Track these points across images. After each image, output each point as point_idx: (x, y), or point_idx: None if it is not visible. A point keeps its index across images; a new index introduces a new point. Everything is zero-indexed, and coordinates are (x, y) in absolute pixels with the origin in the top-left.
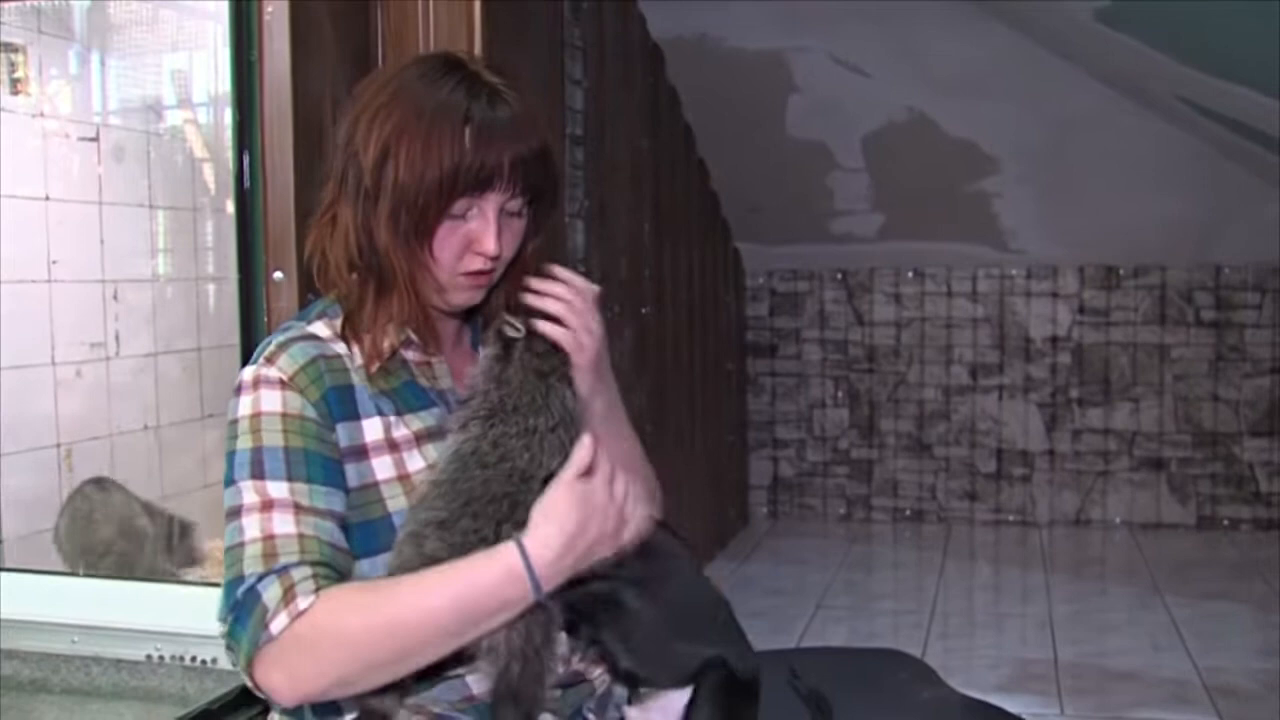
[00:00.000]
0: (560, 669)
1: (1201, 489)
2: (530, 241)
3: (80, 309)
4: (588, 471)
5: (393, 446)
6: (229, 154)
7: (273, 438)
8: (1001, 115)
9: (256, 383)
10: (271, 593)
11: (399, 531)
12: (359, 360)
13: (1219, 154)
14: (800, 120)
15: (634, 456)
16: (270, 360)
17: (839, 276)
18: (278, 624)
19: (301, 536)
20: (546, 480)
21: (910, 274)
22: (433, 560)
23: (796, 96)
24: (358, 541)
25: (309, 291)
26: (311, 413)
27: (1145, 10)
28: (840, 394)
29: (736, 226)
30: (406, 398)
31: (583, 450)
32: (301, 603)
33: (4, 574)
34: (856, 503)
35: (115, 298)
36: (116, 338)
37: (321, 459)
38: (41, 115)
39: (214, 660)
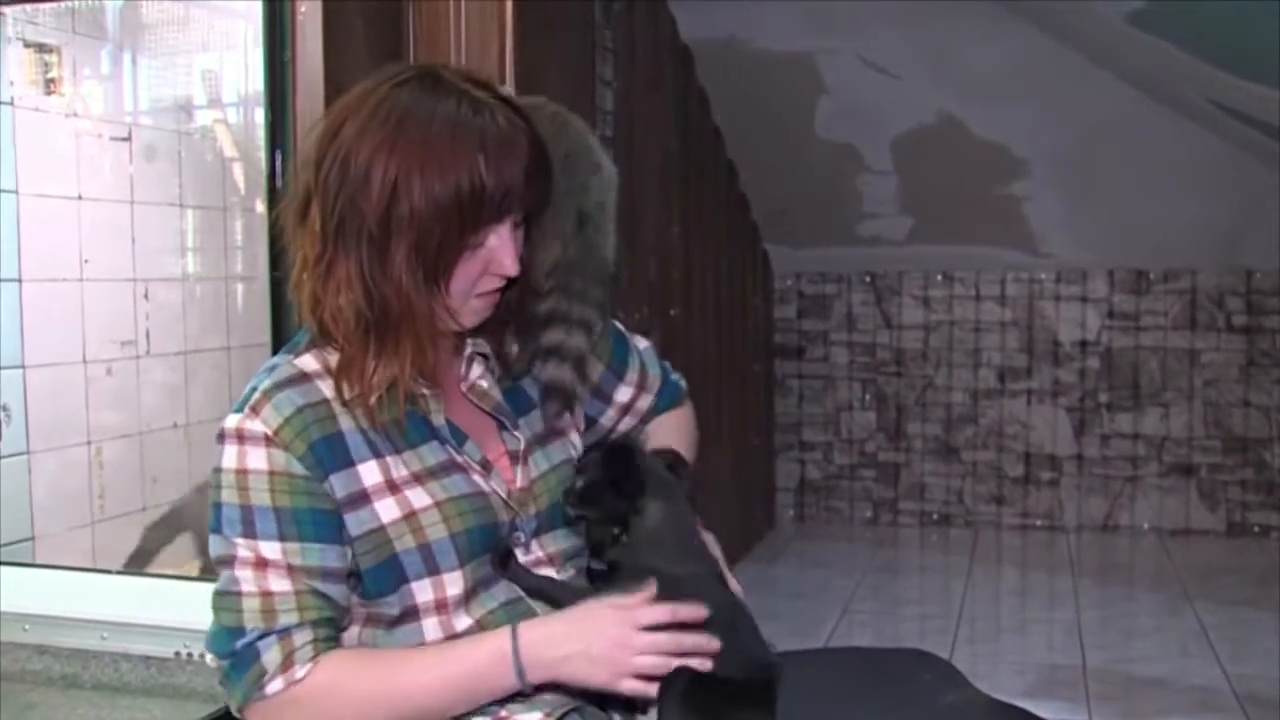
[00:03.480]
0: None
1: (1231, 495)
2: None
3: (111, 307)
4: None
5: (393, 488)
6: (259, 153)
7: (261, 497)
8: (1031, 118)
9: (241, 435)
10: (271, 655)
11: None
12: (349, 393)
13: (1250, 158)
14: (829, 122)
15: None
16: (255, 410)
17: (867, 279)
18: (273, 688)
19: (299, 594)
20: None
21: (939, 277)
22: None
23: (826, 99)
24: (370, 583)
25: None
26: (298, 468)
27: (1177, 13)
28: (867, 397)
29: (765, 228)
30: (408, 431)
31: (643, 592)
32: (299, 671)
33: (36, 570)
34: (883, 506)
35: (146, 296)
36: (147, 336)
37: (312, 514)
38: (74, 115)
39: None
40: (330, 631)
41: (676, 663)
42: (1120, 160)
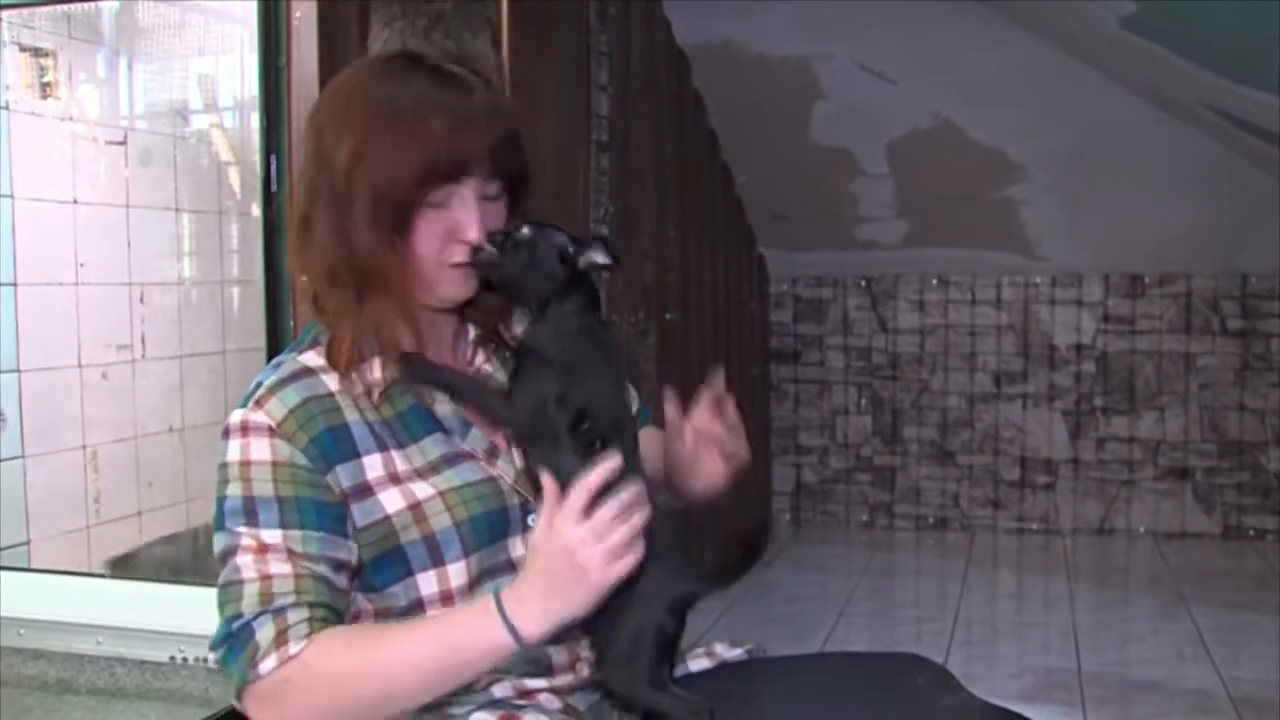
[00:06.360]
0: (586, 672)
1: (1227, 498)
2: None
3: (107, 311)
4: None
5: (396, 480)
6: (255, 158)
7: (264, 487)
8: (1027, 122)
9: (245, 428)
10: (265, 633)
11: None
12: (357, 389)
13: (1246, 162)
14: (825, 127)
15: None
16: (259, 404)
17: (863, 283)
18: (266, 665)
19: (298, 577)
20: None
21: (935, 281)
22: None
23: (822, 103)
24: (374, 575)
25: None
26: (301, 459)
27: (1172, 18)
28: (863, 401)
29: (761, 233)
30: (410, 424)
31: (548, 492)
32: (293, 647)
33: (31, 575)
34: (879, 510)
35: (141, 300)
36: (143, 340)
37: (314, 504)
38: (70, 119)
39: None
40: (328, 614)
41: (639, 520)
42: (1116, 164)
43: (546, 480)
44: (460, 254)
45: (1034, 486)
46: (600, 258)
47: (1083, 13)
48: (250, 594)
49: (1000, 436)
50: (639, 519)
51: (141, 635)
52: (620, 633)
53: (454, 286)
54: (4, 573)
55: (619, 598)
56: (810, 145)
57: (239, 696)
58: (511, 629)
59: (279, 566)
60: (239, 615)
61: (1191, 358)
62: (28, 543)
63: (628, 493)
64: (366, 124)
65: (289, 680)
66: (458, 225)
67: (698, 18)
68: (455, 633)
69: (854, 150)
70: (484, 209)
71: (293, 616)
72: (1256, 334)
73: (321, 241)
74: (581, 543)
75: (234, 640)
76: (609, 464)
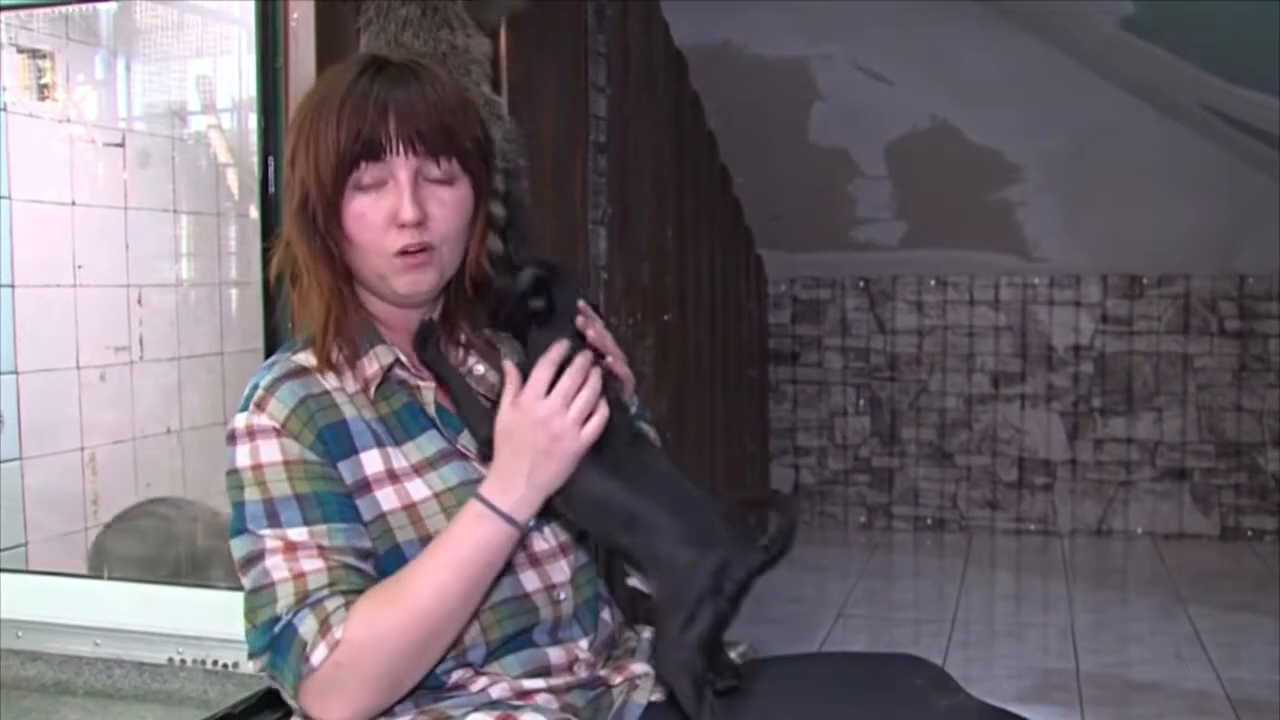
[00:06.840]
0: (584, 673)
1: (1225, 499)
2: (474, 224)
3: (105, 313)
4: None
5: (394, 477)
6: (253, 159)
7: (281, 487)
8: (1025, 123)
9: (251, 432)
10: (307, 626)
11: None
12: (351, 388)
13: (1244, 163)
14: (823, 128)
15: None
16: (260, 406)
17: (861, 284)
18: (318, 655)
19: (330, 569)
20: None
21: (933, 282)
22: None
23: (820, 104)
24: (378, 571)
25: None
26: (311, 455)
27: (1170, 19)
28: (862, 402)
29: (759, 234)
30: (405, 422)
31: (509, 380)
32: (338, 632)
33: (28, 576)
34: (877, 511)
35: (139, 302)
36: (141, 341)
37: (333, 497)
38: (68, 121)
39: (235, 664)
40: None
41: (596, 385)
42: (1114, 165)
43: (508, 366)
44: (403, 238)
45: (1032, 487)
46: (537, 305)
47: (1081, 14)
48: (285, 593)
49: (998, 437)
50: (595, 384)
51: (139, 637)
52: (675, 619)
53: (405, 278)
54: (2, 574)
55: (690, 580)
56: (808, 146)
57: (296, 696)
58: (508, 519)
59: (311, 563)
60: (277, 618)
61: (1189, 358)
62: (25, 544)
63: (580, 362)
64: (295, 126)
65: (340, 664)
66: (392, 210)
67: (696, 18)
68: (462, 551)
69: (852, 151)
70: (429, 191)
71: (331, 604)
72: (1254, 335)
73: (282, 244)
74: (553, 413)
75: (278, 641)
76: (562, 343)
